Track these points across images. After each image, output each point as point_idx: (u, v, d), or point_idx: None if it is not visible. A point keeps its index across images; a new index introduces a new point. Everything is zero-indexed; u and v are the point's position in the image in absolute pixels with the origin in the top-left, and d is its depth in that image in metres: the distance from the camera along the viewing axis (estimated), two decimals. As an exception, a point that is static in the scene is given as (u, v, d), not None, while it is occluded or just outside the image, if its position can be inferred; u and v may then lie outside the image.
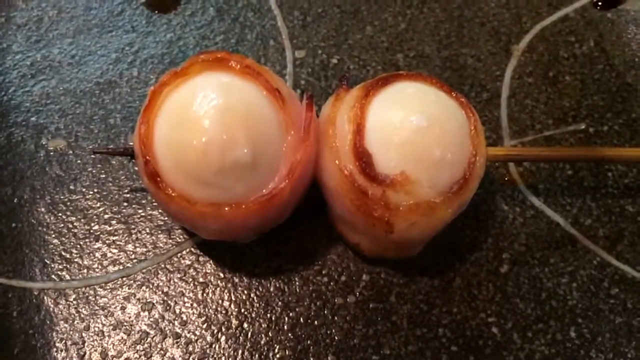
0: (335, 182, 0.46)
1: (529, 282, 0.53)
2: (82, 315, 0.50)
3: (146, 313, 0.51)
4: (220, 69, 0.46)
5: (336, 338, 0.50)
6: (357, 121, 0.46)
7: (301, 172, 0.45)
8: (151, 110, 0.45)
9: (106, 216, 0.54)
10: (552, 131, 0.60)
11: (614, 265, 0.54)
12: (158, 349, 0.49)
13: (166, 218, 0.54)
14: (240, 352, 0.50)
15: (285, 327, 0.51)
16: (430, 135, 0.45)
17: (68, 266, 0.52)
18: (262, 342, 0.50)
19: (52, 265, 0.52)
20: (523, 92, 0.62)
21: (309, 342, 0.50)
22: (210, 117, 0.43)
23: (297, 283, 0.52)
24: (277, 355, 0.50)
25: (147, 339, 0.50)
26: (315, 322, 0.51)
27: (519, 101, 0.61)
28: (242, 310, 0.51)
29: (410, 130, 0.45)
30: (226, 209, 0.44)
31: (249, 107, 0.45)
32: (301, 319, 0.51)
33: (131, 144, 0.50)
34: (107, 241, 0.53)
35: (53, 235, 0.53)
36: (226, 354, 0.50)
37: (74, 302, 0.51)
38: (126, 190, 0.55)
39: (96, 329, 0.50)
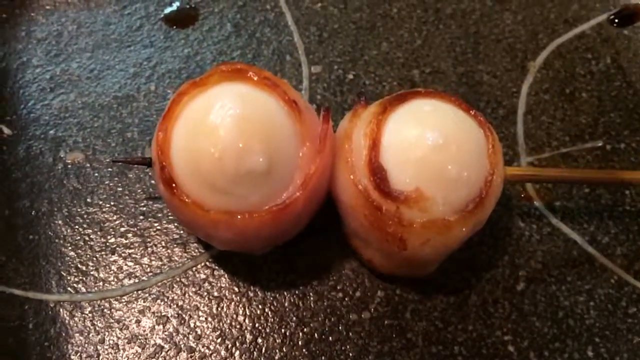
0: (349, 196, 0.47)
1: (546, 300, 0.53)
2: (97, 328, 0.51)
3: (161, 327, 0.51)
4: (239, 80, 0.47)
5: (351, 354, 0.50)
6: (373, 137, 0.46)
7: (315, 184, 0.46)
8: (169, 119, 0.46)
9: (122, 229, 0.54)
10: (568, 148, 0.60)
11: (631, 284, 0.54)
12: (172, 363, 0.49)
13: (182, 231, 0.54)
14: (254, 367, 0.50)
15: (300, 342, 0.50)
16: (446, 153, 0.45)
17: (84, 279, 0.52)
18: (276, 358, 0.50)
19: (69, 278, 0.52)
20: (539, 109, 0.61)
21: (323, 358, 0.50)
22: (226, 125, 0.43)
23: (311, 298, 0.52)
24: (292, 371, 0.49)
25: (161, 353, 0.50)
26: (330, 338, 0.51)
27: (535, 118, 0.61)
28: (257, 325, 0.51)
29: (426, 148, 0.45)
30: (239, 217, 0.44)
31: (266, 117, 0.45)
32: (315, 335, 0.51)
33: (148, 156, 0.51)
34: (123, 254, 0.53)
35: (70, 248, 0.54)
36: (240, 369, 0.49)
37: (90, 314, 0.51)
38: (142, 204, 0.55)
39: (111, 342, 0.50)
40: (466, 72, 0.63)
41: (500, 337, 0.51)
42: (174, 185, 0.44)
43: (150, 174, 0.56)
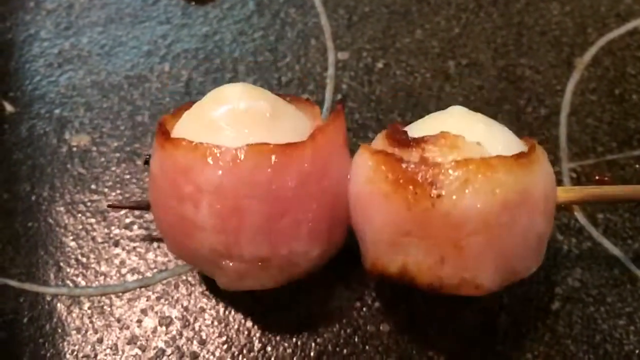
0: (365, 173, 0.39)
1: (582, 322, 0.48)
2: (95, 327, 0.47)
3: (163, 328, 0.47)
4: None
5: (366, 370, 0.46)
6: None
7: (324, 144, 0.40)
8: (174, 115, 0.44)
9: (127, 220, 0.51)
10: (615, 155, 0.55)
11: (678, 310, 0.49)
12: (174, 369, 0.46)
13: (191, 226, 0.50)
14: (261, 378, 0.46)
15: (312, 353, 0.46)
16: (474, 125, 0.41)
17: (84, 272, 0.49)
18: (286, 369, 0.46)
19: (68, 270, 0.49)
20: (585, 111, 0.56)
21: (336, 372, 0.46)
22: (230, 90, 0.42)
23: (326, 306, 0.48)
24: (301, 385, 0.46)
25: (162, 357, 0.46)
26: (344, 351, 0.47)
27: (580, 120, 0.56)
28: (266, 332, 0.47)
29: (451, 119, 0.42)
30: (231, 153, 0.38)
31: (273, 96, 0.43)
32: (329, 346, 0.47)
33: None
34: (127, 247, 0.50)
35: (70, 238, 0.50)
36: (246, 380, 0.46)
37: (88, 311, 0.48)
38: (150, 194, 0.52)
39: (110, 342, 0.47)
40: (506, 65, 0.58)
41: (531, 360, 0.47)
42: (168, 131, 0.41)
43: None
